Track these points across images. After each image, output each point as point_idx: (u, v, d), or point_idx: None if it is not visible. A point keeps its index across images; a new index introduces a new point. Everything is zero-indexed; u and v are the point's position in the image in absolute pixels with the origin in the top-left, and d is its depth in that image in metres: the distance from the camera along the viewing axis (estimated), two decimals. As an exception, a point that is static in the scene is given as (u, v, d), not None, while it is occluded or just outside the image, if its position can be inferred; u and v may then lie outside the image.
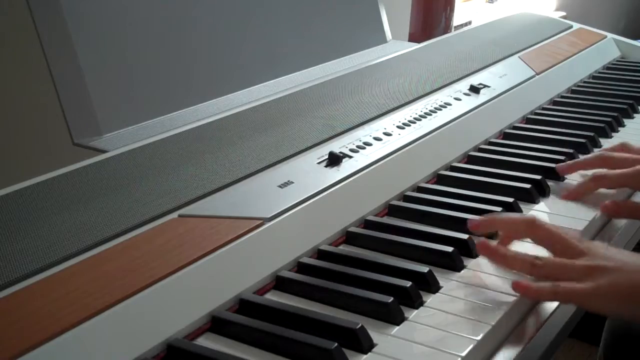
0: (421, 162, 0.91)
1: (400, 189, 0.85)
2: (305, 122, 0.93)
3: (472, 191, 0.85)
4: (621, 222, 0.84)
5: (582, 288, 0.62)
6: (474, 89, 1.10)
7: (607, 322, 0.99)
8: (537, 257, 0.66)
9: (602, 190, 0.86)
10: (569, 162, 0.91)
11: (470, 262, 0.71)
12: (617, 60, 1.47)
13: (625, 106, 1.17)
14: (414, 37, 1.68)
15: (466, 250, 0.72)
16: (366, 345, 0.58)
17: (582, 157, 0.92)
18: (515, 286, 0.65)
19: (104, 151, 0.84)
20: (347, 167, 0.83)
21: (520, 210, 0.81)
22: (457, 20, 1.89)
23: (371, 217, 0.79)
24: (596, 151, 0.95)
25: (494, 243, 0.70)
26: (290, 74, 1.15)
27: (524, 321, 0.65)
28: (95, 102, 0.89)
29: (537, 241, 0.70)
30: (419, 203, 0.83)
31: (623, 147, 0.90)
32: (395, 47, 1.33)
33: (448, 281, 0.67)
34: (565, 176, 0.91)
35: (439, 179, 0.91)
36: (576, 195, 0.85)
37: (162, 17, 0.99)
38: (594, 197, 0.85)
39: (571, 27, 1.54)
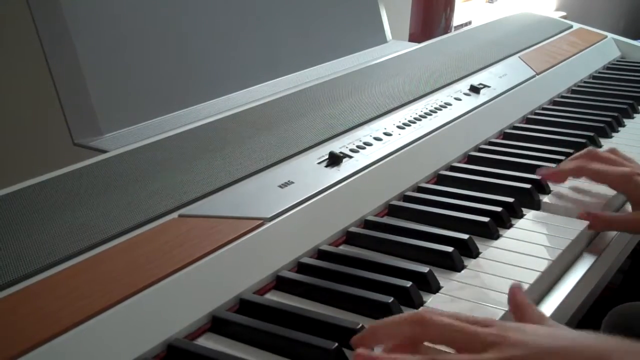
0: (421, 162, 0.91)
1: (400, 189, 0.85)
2: (306, 122, 0.93)
3: (472, 191, 0.85)
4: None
5: None
6: (474, 89, 1.11)
7: (604, 323, 0.99)
8: (434, 356, 0.53)
9: (586, 198, 0.84)
10: (548, 169, 0.87)
11: (470, 262, 0.71)
12: (617, 60, 1.47)
13: (625, 106, 1.17)
14: (414, 37, 1.68)
15: (466, 250, 0.72)
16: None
17: (561, 164, 0.87)
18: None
19: (104, 151, 0.84)
20: (347, 167, 0.83)
21: (520, 211, 0.81)
22: (457, 20, 1.89)
23: (371, 217, 0.79)
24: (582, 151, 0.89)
25: (373, 353, 0.53)
26: (290, 74, 1.15)
27: (524, 321, 0.64)
28: (95, 102, 0.89)
29: (433, 340, 0.54)
30: (419, 203, 0.83)
31: (612, 153, 0.86)
32: (395, 47, 1.33)
33: (448, 281, 0.67)
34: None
35: (439, 179, 0.91)
36: (553, 176, 0.84)
37: (162, 17, 0.99)
38: (595, 197, 0.85)
39: (571, 27, 1.54)
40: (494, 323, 0.54)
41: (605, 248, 0.78)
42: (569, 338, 0.52)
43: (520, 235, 0.76)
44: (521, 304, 0.58)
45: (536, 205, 0.84)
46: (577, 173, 0.84)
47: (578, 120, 1.10)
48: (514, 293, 0.59)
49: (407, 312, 0.58)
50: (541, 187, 0.87)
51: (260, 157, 0.82)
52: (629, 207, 0.84)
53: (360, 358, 0.51)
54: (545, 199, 0.85)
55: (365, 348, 0.53)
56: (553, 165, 0.91)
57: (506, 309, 0.62)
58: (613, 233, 0.81)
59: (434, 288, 0.66)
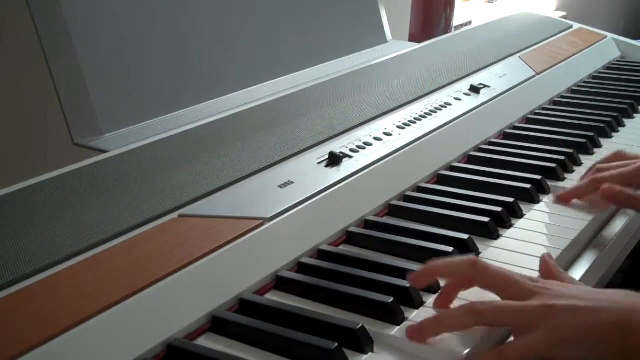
0: (421, 162, 0.91)
1: (400, 189, 0.85)
2: (306, 122, 0.93)
3: (472, 191, 0.85)
4: (620, 223, 0.84)
5: (533, 342, 0.54)
6: (474, 89, 1.11)
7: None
8: (477, 302, 0.57)
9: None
10: (565, 192, 0.85)
11: (470, 262, 0.71)
12: (617, 60, 1.47)
13: (625, 106, 1.17)
14: (414, 37, 1.68)
15: (466, 250, 0.72)
16: (366, 345, 0.58)
17: (575, 185, 0.86)
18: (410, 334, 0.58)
19: (104, 151, 0.84)
20: (347, 167, 0.83)
21: (520, 211, 0.81)
22: (457, 20, 1.89)
23: (371, 217, 0.79)
24: (589, 168, 0.89)
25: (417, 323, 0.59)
26: (290, 74, 1.15)
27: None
28: (95, 102, 0.89)
29: (483, 284, 0.60)
30: (419, 203, 0.83)
31: (617, 156, 0.87)
32: (395, 47, 1.33)
33: (448, 281, 0.67)
34: (568, 175, 0.91)
35: (439, 179, 0.91)
36: (570, 197, 0.83)
37: (162, 17, 0.99)
38: (595, 196, 0.85)
39: (571, 27, 1.54)
40: (537, 279, 0.60)
41: (605, 248, 0.78)
42: (609, 294, 0.57)
43: (520, 235, 0.76)
44: (552, 271, 0.64)
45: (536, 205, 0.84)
46: (595, 189, 0.82)
47: (578, 120, 1.10)
48: (545, 261, 0.66)
49: (462, 257, 0.63)
50: (541, 187, 0.87)
51: (260, 157, 0.82)
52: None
53: (412, 332, 0.58)
54: (546, 198, 0.85)
55: (422, 284, 0.63)
56: (553, 165, 0.91)
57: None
58: (613, 233, 0.81)
59: (435, 288, 0.66)
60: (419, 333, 0.58)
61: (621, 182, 0.81)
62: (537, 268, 0.69)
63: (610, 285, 0.79)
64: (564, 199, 0.84)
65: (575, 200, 0.84)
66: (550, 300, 0.56)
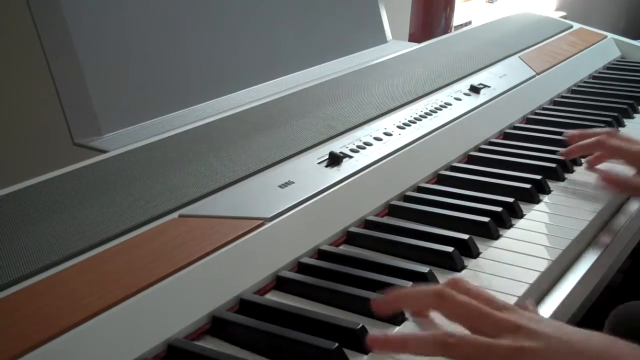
0: (421, 162, 0.91)
1: (400, 189, 0.85)
2: (306, 122, 0.92)
3: (472, 191, 0.85)
4: (620, 223, 0.84)
5: None
6: (474, 89, 1.10)
7: (607, 322, 0.99)
8: (448, 334, 0.52)
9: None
10: (570, 147, 0.93)
11: (470, 262, 0.71)
12: (617, 60, 1.47)
13: (625, 106, 1.17)
14: (414, 37, 1.68)
15: (466, 250, 0.72)
16: (367, 346, 0.57)
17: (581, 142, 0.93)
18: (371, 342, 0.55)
19: (104, 151, 0.84)
20: (347, 167, 0.83)
21: (520, 211, 0.81)
22: (457, 20, 1.89)
23: (371, 217, 0.79)
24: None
25: (384, 333, 0.58)
26: (291, 74, 1.15)
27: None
28: (95, 102, 0.89)
29: (450, 317, 0.56)
30: (420, 203, 0.83)
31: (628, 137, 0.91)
32: (395, 47, 1.33)
33: (448, 281, 0.67)
34: (568, 174, 0.91)
35: (440, 179, 0.91)
36: (574, 150, 0.91)
37: (162, 17, 0.99)
38: (595, 196, 0.85)
39: (571, 27, 1.54)
40: (509, 307, 0.55)
41: (605, 248, 0.78)
42: (583, 335, 0.52)
43: (520, 235, 0.76)
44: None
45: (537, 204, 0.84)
46: (597, 147, 0.89)
47: (578, 120, 1.10)
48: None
49: (433, 285, 0.59)
50: (541, 187, 0.87)
51: (260, 157, 0.82)
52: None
53: (372, 340, 0.55)
54: (546, 198, 0.85)
55: (385, 311, 0.59)
56: (554, 165, 0.91)
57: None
58: (613, 233, 0.81)
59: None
60: (382, 344, 0.55)
61: (620, 156, 0.87)
62: (537, 268, 0.69)
63: (610, 285, 0.79)
64: (567, 153, 0.92)
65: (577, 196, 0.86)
66: (523, 342, 0.51)
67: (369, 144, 0.89)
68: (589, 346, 0.51)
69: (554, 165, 0.92)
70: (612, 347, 0.52)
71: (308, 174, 0.80)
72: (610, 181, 0.85)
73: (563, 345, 0.51)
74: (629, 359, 0.51)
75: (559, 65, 1.30)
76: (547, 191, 0.87)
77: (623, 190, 0.86)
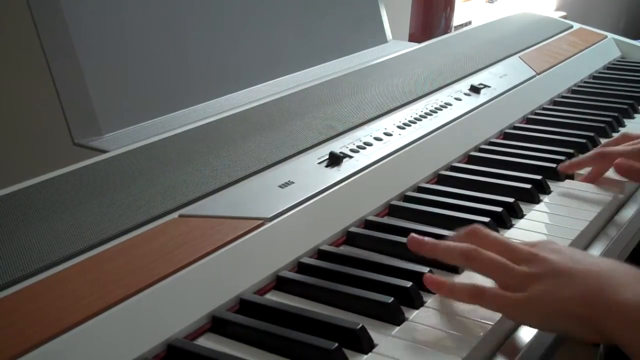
0: (422, 162, 0.91)
1: (400, 189, 0.85)
2: (306, 122, 0.92)
3: (472, 191, 0.85)
4: (620, 223, 0.84)
5: (508, 297, 0.59)
6: (475, 89, 1.10)
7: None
8: (475, 249, 0.62)
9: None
10: (569, 161, 0.92)
11: (470, 262, 0.71)
12: (618, 60, 1.47)
13: (625, 106, 1.17)
14: (414, 37, 1.68)
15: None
16: (366, 346, 0.58)
17: (581, 155, 0.93)
18: (425, 281, 0.63)
19: (104, 151, 0.84)
20: (347, 167, 0.83)
21: (520, 211, 0.81)
22: (457, 20, 1.89)
23: (371, 217, 0.79)
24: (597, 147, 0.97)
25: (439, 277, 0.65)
26: (290, 74, 1.15)
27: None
28: (95, 102, 0.89)
29: (478, 271, 0.63)
30: (420, 203, 0.83)
31: (624, 137, 0.92)
32: (395, 47, 1.33)
33: (448, 281, 0.67)
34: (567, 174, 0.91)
35: (440, 179, 0.91)
36: (575, 167, 0.90)
37: (162, 16, 0.99)
38: (595, 197, 0.85)
39: (571, 27, 1.54)
40: (537, 244, 0.63)
41: (605, 248, 0.78)
42: (590, 262, 0.60)
43: (521, 235, 0.76)
44: None
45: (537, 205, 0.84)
46: (594, 161, 0.90)
47: (578, 120, 1.10)
48: None
49: (461, 243, 0.64)
50: (541, 187, 0.87)
51: (260, 157, 0.82)
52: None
53: (428, 279, 0.64)
54: (546, 199, 0.85)
55: (418, 250, 0.66)
56: (554, 165, 0.91)
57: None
58: (613, 233, 0.81)
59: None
60: (420, 244, 0.66)
61: (630, 159, 0.87)
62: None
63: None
64: (566, 168, 0.90)
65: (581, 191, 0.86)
66: (534, 269, 0.59)
67: (369, 144, 0.89)
68: (592, 273, 0.57)
69: (554, 165, 0.92)
70: (615, 272, 0.57)
71: (308, 174, 0.80)
72: (626, 171, 0.86)
73: (564, 271, 0.58)
74: (629, 287, 0.55)
75: (559, 65, 1.30)
76: (547, 191, 0.87)
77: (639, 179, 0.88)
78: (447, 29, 1.70)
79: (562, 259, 0.59)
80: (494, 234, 0.64)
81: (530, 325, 0.61)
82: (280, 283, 0.67)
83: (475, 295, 0.61)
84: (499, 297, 0.59)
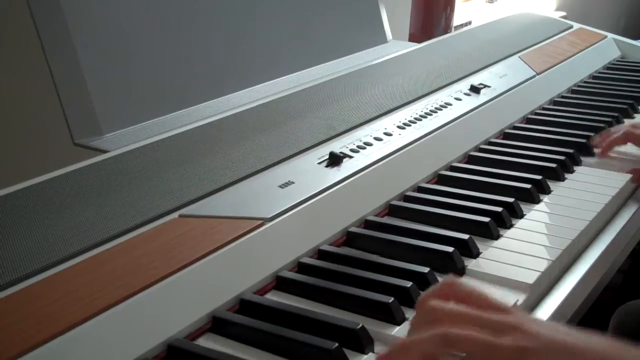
0: (422, 162, 0.91)
1: (400, 189, 0.85)
2: (306, 122, 0.92)
3: (472, 191, 0.85)
4: (620, 223, 0.84)
5: None
6: (475, 89, 1.10)
7: (611, 323, 0.99)
8: (451, 329, 0.53)
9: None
10: (605, 141, 1.00)
11: (470, 262, 0.71)
12: (618, 60, 1.47)
13: (625, 106, 1.17)
14: (414, 37, 1.68)
15: (466, 250, 0.72)
16: (366, 346, 0.58)
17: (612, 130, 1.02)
18: None
19: (104, 151, 0.84)
20: (347, 167, 0.83)
21: (520, 211, 0.81)
22: (457, 20, 1.88)
23: (372, 217, 0.79)
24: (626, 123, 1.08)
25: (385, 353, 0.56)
26: (290, 74, 1.15)
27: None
28: (95, 102, 0.89)
29: (461, 351, 0.54)
30: (420, 203, 0.83)
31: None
32: (395, 47, 1.33)
33: (448, 281, 0.67)
34: (568, 174, 0.91)
35: (440, 179, 0.91)
36: (605, 151, 0.98)
37: (162, 17, 0.99)
38: (595, 197, 0.85)
39: (571, 27, 1.54)
40: (512, 311, 0.55)
41: (605, 248, 0.78)
42: (582, 337, 0.53)
43: (520, 235, 0.76)
44: None
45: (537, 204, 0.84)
46: (625, 140, 0.98)
47: (578, 120, 1.10)
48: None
49: (430, 332, 0.54)
50: (541, 187, 0.87)
51: (260, 157, 0.82)
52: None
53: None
54: (546, 198, 0.85)
55: None
56: (554, 165, 0.91)
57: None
58: (613, 233, 0.81)
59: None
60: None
61: None
62: (537, 268, 0.69)
63: (610, 285, 0.79)
64: (597, 142, 0.99)
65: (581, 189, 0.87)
66: (526, 342, 0.52)
67: (369, 144, 0.89)
68: (589, 348, 0.52)
69: (554, 165, 0.92)
70: (610, 349, 0.52)
71: (308, 174, 0.80)
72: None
73: (563, 346, 0.52)
74: None
75: (559, 65, 1.30)
76: (547, 191, 0.87)
77: None
78: (447, 29, 1.70)
79: (549, 332, 0.53)
80: (462, 334, 0.53)
81: None
82: (280, 283, 0.67)
83: None
84: None
